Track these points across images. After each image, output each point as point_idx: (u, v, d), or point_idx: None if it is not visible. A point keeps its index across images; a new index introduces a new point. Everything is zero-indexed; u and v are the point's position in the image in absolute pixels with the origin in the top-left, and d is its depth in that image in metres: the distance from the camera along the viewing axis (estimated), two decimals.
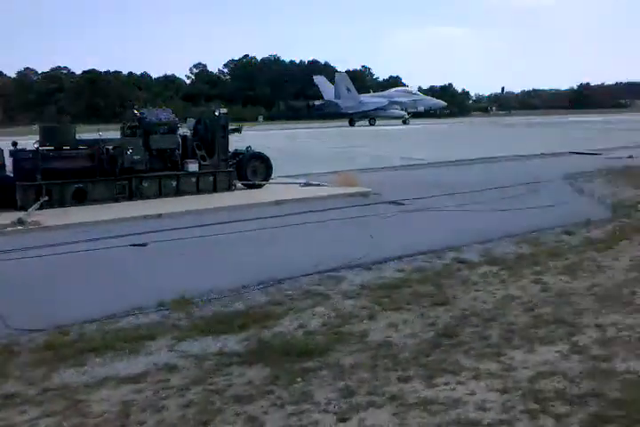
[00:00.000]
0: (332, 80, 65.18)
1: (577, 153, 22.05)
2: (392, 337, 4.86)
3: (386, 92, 67.84)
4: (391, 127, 53.40)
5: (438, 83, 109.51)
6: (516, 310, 5.47)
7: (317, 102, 65.25)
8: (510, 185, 13.82)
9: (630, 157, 19.56)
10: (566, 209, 10.98)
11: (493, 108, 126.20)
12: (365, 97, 63.95)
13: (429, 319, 5.25)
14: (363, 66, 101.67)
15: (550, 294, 5.93)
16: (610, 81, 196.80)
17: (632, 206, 10.81)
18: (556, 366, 4.19)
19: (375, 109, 62.31)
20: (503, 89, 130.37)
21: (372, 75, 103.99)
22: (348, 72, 74.12)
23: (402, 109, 63.89)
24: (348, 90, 62.20)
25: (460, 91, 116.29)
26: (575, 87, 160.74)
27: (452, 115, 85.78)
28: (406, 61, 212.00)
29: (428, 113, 71.43)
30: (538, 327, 5.00)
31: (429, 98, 72.26)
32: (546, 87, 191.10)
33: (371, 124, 60.77)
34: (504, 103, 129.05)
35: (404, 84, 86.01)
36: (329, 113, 62.79)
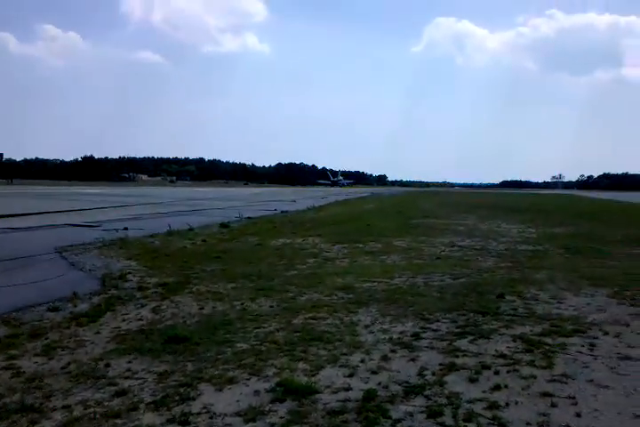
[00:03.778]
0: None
1: (75, 225, 22.26)
2: None
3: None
4: None
5: None
6: None
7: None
8: None
9: (125, 228, 20.82)
10: (56, 283, 10.74)
11: None
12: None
13: None
14: None
15: (22, 380, 5.53)
16: (113, 155, 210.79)
17: (121, 277, 11.30)
18: None
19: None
20: (2, 156, 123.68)
21: None
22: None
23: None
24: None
25: None
26: (80, 159, 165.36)
27: None
28: None
29: None
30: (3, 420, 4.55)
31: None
32: (50, 157, 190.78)
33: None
34: (4, 171, 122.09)
35: None
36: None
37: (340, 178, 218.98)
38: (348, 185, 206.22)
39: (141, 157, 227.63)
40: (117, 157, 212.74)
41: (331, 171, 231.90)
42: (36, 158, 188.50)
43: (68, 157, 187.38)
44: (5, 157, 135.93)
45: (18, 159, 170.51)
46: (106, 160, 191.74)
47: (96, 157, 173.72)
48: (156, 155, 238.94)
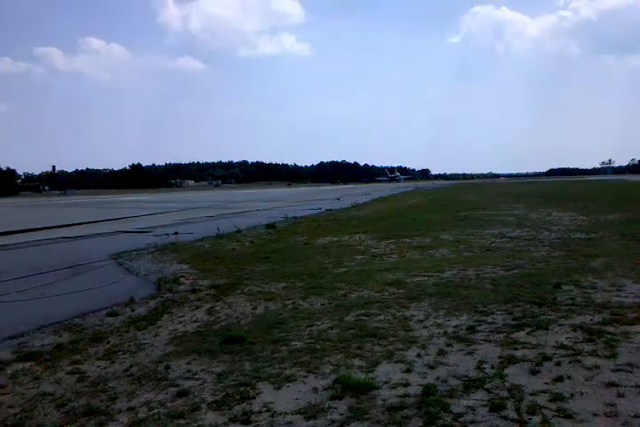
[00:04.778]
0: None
1: (127, 232, 22.84)
2: None
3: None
4: None
5: None
6: (48, 409, 5.05)
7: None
8: (56, 268, 13.26)
9: (176, 233, 21.23)
10: (112, 289, 11.04)
11: (46, 187, 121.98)
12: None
13: None
14: None
15: (87, 384, 5.70)
16: (160, 162, 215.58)
17: (175, 280, 11.52)
18: None
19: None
20: (54, 168, 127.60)
21: None
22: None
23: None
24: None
25: (4, 168, 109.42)
26: (128, 167, 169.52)
27: None
28: None
29: None
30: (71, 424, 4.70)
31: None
32: (100, 167, 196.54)
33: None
34: (57, 182, 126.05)
35: None
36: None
37: (397, 174, 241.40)
38: (406, 180, 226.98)
39: (186, 162, 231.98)
40: (164, 164, 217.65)
41: (388, 168, 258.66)
42: (87, 169, 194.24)
43: (117, 167, 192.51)
44: (57, 168, 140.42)
45: (69, 170, 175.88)
46: (153, 167, 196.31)
47: (143, 165, 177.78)
48: (201, 160, 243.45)
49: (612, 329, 6.76)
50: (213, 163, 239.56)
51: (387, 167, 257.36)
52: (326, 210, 35.17)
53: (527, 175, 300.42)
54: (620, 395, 4.85)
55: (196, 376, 5.81)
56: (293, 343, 6.77)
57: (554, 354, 5.96)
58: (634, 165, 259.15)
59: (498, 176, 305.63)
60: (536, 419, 4.46)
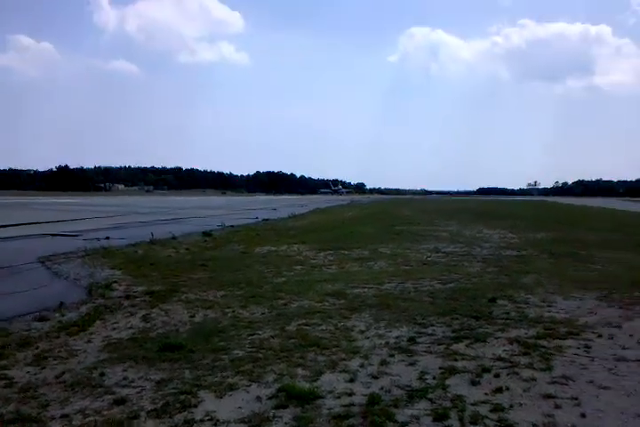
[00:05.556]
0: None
1: (55, 235, 21.89)
2: None
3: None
4: None
5: None
6: None
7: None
8: None
9: (107, 238, 20.52)
10: (40, 293, 10.52)
11: None
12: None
13: None
14: None
15: (15, 390, 5.38)
16: (89, 165, 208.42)
17: (107, 286, 11.10)
18: None
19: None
20: None
21: None
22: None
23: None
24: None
25: None
26: (55, 169, 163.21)
27: None
28: None
29: None
30: None
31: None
32: (23, 167, 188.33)
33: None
34: None
35: None
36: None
37: (340, 187, 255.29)
38: (347, 193, 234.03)
39: (117, 166, 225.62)
40: (93, 167, 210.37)
41: (332, 181, 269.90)
42: (9, 169, 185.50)
43: (43, 168, 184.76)
44: None
45: None
46: (81, 170, 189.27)
47: (71, 167, 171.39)
48: (133, 164, 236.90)
49: (545, 343, 7.01)
50: (146, 168, 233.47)
51: (330, 180, 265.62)
52: (263, 219, 34.97)
53: (458, 193, 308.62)
54: (557, 406, 5.01)
55: (133, 384, 5.59)
56: (235, 352, 6.65)
57: (492, 366, 6.11)
58: (557, 188, 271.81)
59: (430, 193, 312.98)
60: None
